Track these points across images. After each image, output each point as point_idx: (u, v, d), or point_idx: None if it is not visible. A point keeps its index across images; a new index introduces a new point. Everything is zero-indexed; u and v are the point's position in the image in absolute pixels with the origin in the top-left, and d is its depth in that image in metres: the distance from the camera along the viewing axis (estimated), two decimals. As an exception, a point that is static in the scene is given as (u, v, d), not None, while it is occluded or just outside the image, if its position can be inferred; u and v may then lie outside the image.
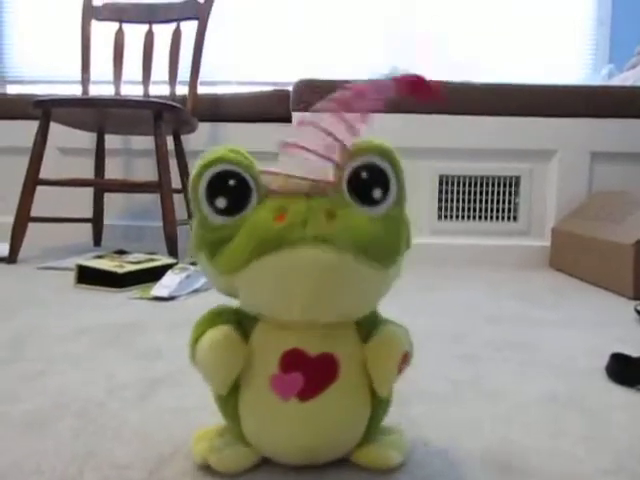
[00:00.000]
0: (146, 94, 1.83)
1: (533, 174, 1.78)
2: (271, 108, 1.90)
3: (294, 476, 0.42)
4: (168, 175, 1.54)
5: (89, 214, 1.90)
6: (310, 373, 0.39)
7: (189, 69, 1.79)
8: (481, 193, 1.79)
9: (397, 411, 0.45)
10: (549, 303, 1.14)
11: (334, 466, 0.43)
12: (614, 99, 1.73)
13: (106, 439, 0.47)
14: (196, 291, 1.16)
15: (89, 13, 1.86)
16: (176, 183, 1.71)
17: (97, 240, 1.92)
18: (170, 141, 1.71)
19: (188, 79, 1.78)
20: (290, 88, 1.81)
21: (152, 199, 1.91)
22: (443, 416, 0.54)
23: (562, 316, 1.02)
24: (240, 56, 2.61)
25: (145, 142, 1.87)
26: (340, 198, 0.38)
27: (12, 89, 2.67)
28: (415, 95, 0.40)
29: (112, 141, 1.92)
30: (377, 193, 0.38)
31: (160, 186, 1.53)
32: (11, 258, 1.50)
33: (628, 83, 1.87)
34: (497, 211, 1.79)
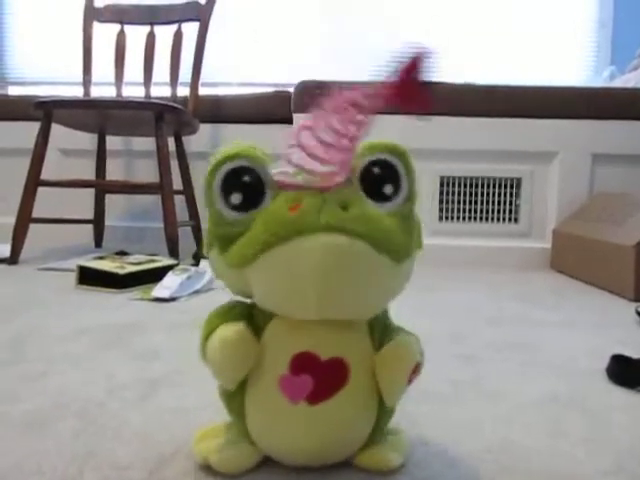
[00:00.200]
0: (147, 95, 1.83)
1: (534, 176, 1.78)
2: (272, 109, 1.90)
3: (295, 477, 0.42)
4: (169, 176, 1.55)
5: (90, 215, 1.90)
6: (320, 377, 0.39)
7: (190, 70, 1.80)
8: (482, 194, 1.79)
9: (397, 411, 0.45)
10: (550, 304, 1.14)
11: (335, 467, 0.43)
12: (615, 101, 1.73)
13: (106, 439, 0.48)
14: (197, 292, 1.16)
15: (90, 14, 1.86)
16: (177, 184, 1.71)
17: (98, 241, 1.92)
18: (171, 142, 1.71)
19: (189, 80, 1.79)
20: (291, 90, 1.81)
21: (153, 200, 1.91)
22: (443, 416, 0.54)
23: (563, 317, 1.02)
24: (241, 57, 2.61)
25: (146, 143, 1.87)
26: (353, 192, 0.38)
27: (13, 90, 2.67)
28: (404, 104, 0.40)
29: (113, 142, 1.92)
30: (388, 189, 0.39)
31: (161, 187, 1.53)
32: (12, 259, 1.50)
33: (630, 85, 1.87)
34: (498, 212, 1.79)
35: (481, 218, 1.79)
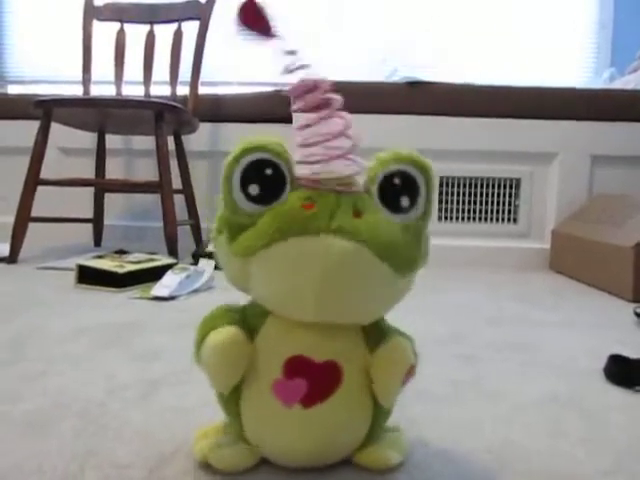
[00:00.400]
0: (147, 94, 1.83)
1: (534, 176, 1.78)
2: (272, 109, 1.90)
3: (294, 476, 0.42)
4: (169, 175, 1.55)
5: (89, 214, 1.90)
6: (314, 380, 0.39)
7: (190, 69, 1.80)
8: (481, 195, 1.79)
9: (397, 411, 0.45)
10: (549, 305, 1.15)
11: (334, 466, 0.43)
12: (615, 102, 1.74)
13: (107, 439, 0.48)
14: (196, 291, 1.16)
15: (90, 13, 1.86)
16: (177, 183, 1.71)
17: (97, 240, 1.92)
18: (171, 141, 1.71)
19: (189, 79, 1.79)
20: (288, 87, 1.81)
21: (152, 199, 1.91)
22: (443, 416, 0.54)
23: (562, 318, 1.02)
24: (241, 56, 2.61)
25: (146, 142, 1.87)
26: (368, 199, 0.39)
27: (13, 89, 2.67)
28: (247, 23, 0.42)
29: (113, 141, 1.92)
30: (405, 201, 0.39)
31: (161, 186, 1.53)
32: (11, 258, 1.50)
33: (629, 87, 1.87)
34: (497, 213, 1.79)
35: (480, 218, 1.79)
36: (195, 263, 1.37)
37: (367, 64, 2.48)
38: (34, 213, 1.54)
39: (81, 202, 1.95)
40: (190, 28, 1.81)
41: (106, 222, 1.94)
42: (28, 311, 0.96)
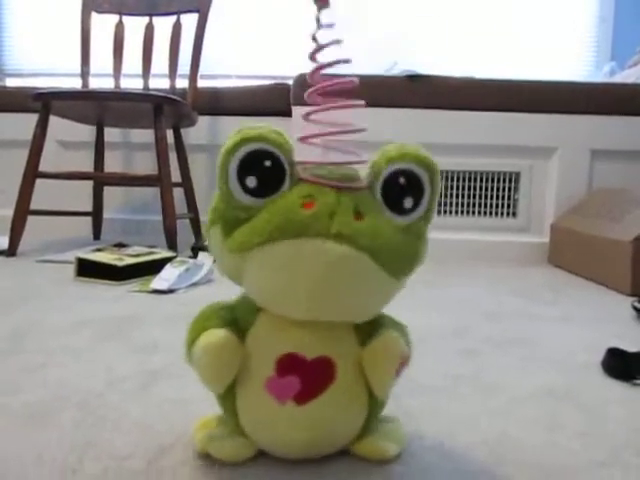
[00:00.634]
0: (146, 87, 1.82)
1: (533, 170, 1.78)
2: (271, 102, 1.90)
3: (293, 466, 0.42)
4: (168, 169, 1.54)
5: (89, 207, 1.90)
6: (306, 377, 0.39)
7: (189, 62, 1.79)
8: (481, 189, 1.79)
9: (395, 404, 0.45)
10: (548, 299, 1.15)
11: (332, 457, 0.44)
12: (615, 96, 1.73)
13: (106, 430, 0.48)
14: (195, 284, 1.16)
15: (89, 5, 1.85)
16: (176, 177, 1.71)
17: (96, 233, 1.92)
18: (170, 135, 1.71)
19: (188, 72, 1.78)
20: (290, 82, 1.81)
21: (152, 193, 1.91)
22: (441, 409, 0.55)
23: (560, 312, 1.02)
24: (240, 49, 2.60)
25: (145, 135, 1.87)
26: (371, 197, 0.38)
27: (11, 82, 2.66)
28: None
29: (112, 134, 1.91)
30: (408, 202, 0.38)
31: (160, 180, 1.53)
32: (10, 251, 1.50)
33: (630, 81, 1.86)
34: (496, 207, 1.79)
35: (479, 212, 1.79)
36: (194, 256, 1.37)
37: (366, 56, 2.47)
38: (33, 206, 1.54)
39: (80, 195, 1.95)
40: (189, 20, 1.80)
41: (105, 215, 1.94)
42: (27, 304, 0.96)
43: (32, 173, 1.51)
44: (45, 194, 1.72)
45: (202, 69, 1.81)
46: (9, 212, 1.53)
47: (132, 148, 2.00)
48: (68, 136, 1.95)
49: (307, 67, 0.40)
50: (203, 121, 1.86)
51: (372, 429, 0.44)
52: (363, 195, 0.37)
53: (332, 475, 0.42)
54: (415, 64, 1.88)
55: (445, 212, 1.80)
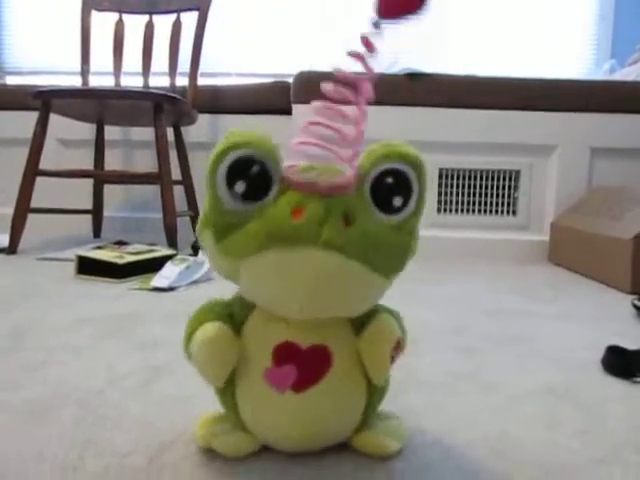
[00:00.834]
0: (146, 85, 1.82)
1: (533, 169, 1.78)
2: (271, 100, 1.90)
3: (295, 461, 0.43)
4: (168, 166, 1.54)
5: (89, 205, 1.90)
6: (303, 365, 0.40)
7: (189, 60, 1.79)
8: (480, 187, 1.79)
9: (394, 401, 0.45)
10: (547, 297, 1.15)
11: (333, 452, 0.44)
12: (615, 94, 1.73)
13: (107, 427, 0.48)
14: (195, 282, 1.16)
15: (89, 4, 1.85)
16: (176, 175, 1.71)
17: (97, 231, 1.92)
18: (170, 133, 1.71)
19: (188, 70, 1.78)
20: (290, 80, 1.81)
21: (152, 190, 1.91)
22: (441, 407, 0.55)
23: (560, 310, 1.02)
24: (240, 47, 2.60)
25: (145, 133, 1.87)
26: (360, 200, 0.37)
27: (11, 80, 2.66)
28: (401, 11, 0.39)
29: (112, 132, 1.91)
30: (398, 201, 0.38)
31: (160, 177, 1.53)
32: (11, 249, 1.50)
33: (630, 78, 1.86)
34: (496, 205, 1.79)
35: (479, 210, 1.79)
36: (194, 254, 1.37)
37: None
38: (33, 204, 1.54)
39: (80, 193, 1.95)
40: (189, 19, 1.80)
41: (105, 213, 1.94)
42: (28, 302, 0.96)
43: (32, 171, 1.51)
44: (45, 192, 1.72)
45: (202, 67, 1.81)
46: (10, 210, 1.53)
47: (132, 146, 2.00)
48: (68, 134, 1.95)
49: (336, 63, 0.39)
50: (203, 119, 1.86)
51: (372, 423, 0.44)
52: (352, 198, 0.37)
53: (334, 470, 0.42)
54: (415, 62, 1.88)
55: (445, 210, 1.80)
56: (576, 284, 1.33)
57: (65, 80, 2.27)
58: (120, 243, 1.43)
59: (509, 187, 1.79)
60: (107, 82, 1.86)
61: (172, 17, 1.82)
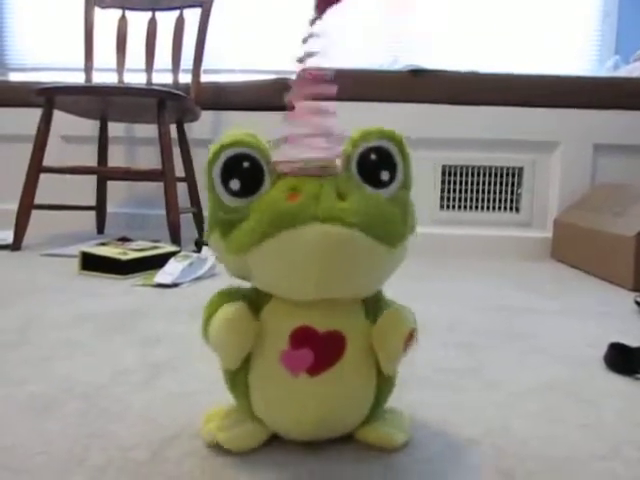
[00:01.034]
0: (149, 82, 1.83)
1: (536, 165, 1.77)
2: (274, 97, 1.90)
3: (296, 454, 0.43)
4: (171, 163, 1.55)
5: (92, 202, 1.91)
6: (319, 349, 0.40)
7: (192, 57, 1.79)
8: (483, 184, 1.79)
9: (397, 397, 0.46)
10: (550, 294, 1.15)
11: (335, 444, 0.44)
12: (619, 91, 1.73)
13: (110, 422, 0.48)
14: (199, 278, 1.16)
15: (92, 0, 1.85)
16: (179, 171, 1.71)
17: (100, 228, 1.92)
18: (173, 129, 1.71)
19: (191, 67, 1.78)
20: (293, 77, 1.80)
21: (155, 187, 1.91)
22: (443, 403, 0.55)
23: (563, 307, 1.02)
24: (243, 44, 2.60)
25: (148, 130, 1.87)
26: (349, 179, 0.39)
27: (15, 76, 2.66)
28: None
29: (115, 129, 1.92)
30: (385, 175, 0.40)
31: (163, 174, 1.53)
32: (15, 245, 1.51)
33: (634, 75, 1.86)
34: (499, 202, 1.79)
35: (482, 207, 1.79)
36: (198, 251, 1.37)
37: (369, 53, 2.47)
38: (37, 201, 1.54)
39: (84, 190, 1.96)
40: (192, 15, 1.80)
41: (109, 210, 1.95)
42: (32, 298, 0.97)
43: (36, 168, 1.51)
44: (49, 188, 1.73)
45: (205, 64, 1.81)
46: (14, 206, 1.53)
47: (135, 143, 2.00)
48: (72, 131, 1.96)
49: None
50: (206, 116, 1.86)
51: (379, 415, 0.45)
52: (342, 177, 0.39)
53: (335, 463, 0.42)
54: (418, 59, 1.88)
55: (448, 207, 1.80)
56: (579, 281, 1.33)
57: (68, 77, 2.27)
58: (124, 239, 1.43)
59: (512, 184, 1.79)
60: (110, 79, 1.86)
61: (175, 14, 1.82)
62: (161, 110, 1.53)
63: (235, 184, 0.39)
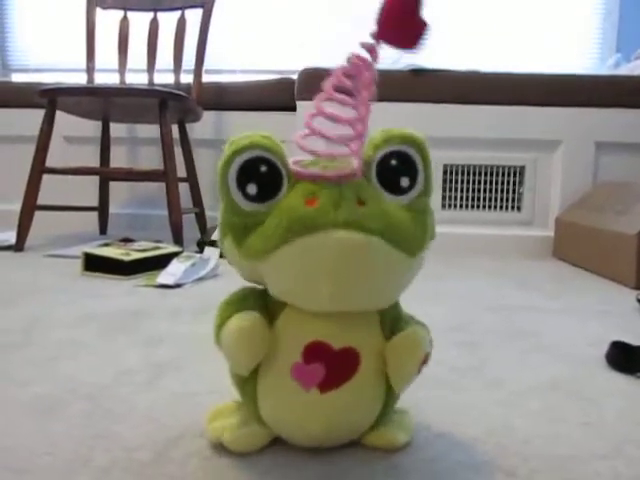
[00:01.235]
0: (151, 82, 1.83)
1: (537, 164, 1.77)
2: (276, 97, 1.90)
3: (299, 456, 0.43)
4: (173, 164, 1.55)
5: (95, 203, 1.91)
6: (332, 366, 0.40)
7: (194, 57, 1.79)
8: (485, 182, 1.79)
9: (400, 396, 0.46)
10: (552, 292, 1.15)
11: (343, 446, 0.44)
12: (620, 89, 1.72)
13: (115, 422, 0.49)
14: (201, 279, 1.17)
15: (94, 1, 1.86)
16: (181, 172, 1.72)
17: (103, 228, 1.93)
18: (175, 130, 1.71)
19: (193, 67, 1.78)
20: (295, 77, 1.81)
21: (157, 188, 1.92)
22: (445, 402, 0.55)
23: (564, 305, 1.02)
24: (245, 44, 2.60)
25: (150, 131, 1.88)
26: (368, 185, 0.38)
27: (17, 77, 2.67)
28: (397, 41, 0.40)
29: (117, 130, 1.92)
30: (405, 182, 0.39)
31: (165, 175, 1.53)
32: (18, 246, 1.51)
33: (636, 73, 1.85)
34: (501, 201, 1.79)
35: (484, 206, 1.79)
36: (200, 251, 1.38)
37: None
38: (40, 201, 1.55)
39: (86, 190, 1.96)
40: (194, 16, 1.80)
41: (111, 210, 1.95)
42: (35, 298, 0.97)
43: (39, 169, 1.52)
44: (52, 189, 1.73)
45: (207, 64, 1.82)
46: (16, 207, 1.54)
47: (137, 143, 2.00)
48: (74, 131, 1.96)
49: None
50: (208, 116, 1.87)
51: (384, 421, 0.45)
52: (361, 183, 0.38)
53: (338, 465, 0.42)
54: (420, 58, 1.87)
55: (450, 206, 1.80)
56: (581, 279, 1.33)
57: (70, 77, 2.28)
58: (126, 240, 1.43)
59: (514, 182, 1.78)
60: (112, 79, 1.87)
61: (177, 14, 1.82)
62: (163, 110, 1.53)
63: (252, 189, 0.37)
